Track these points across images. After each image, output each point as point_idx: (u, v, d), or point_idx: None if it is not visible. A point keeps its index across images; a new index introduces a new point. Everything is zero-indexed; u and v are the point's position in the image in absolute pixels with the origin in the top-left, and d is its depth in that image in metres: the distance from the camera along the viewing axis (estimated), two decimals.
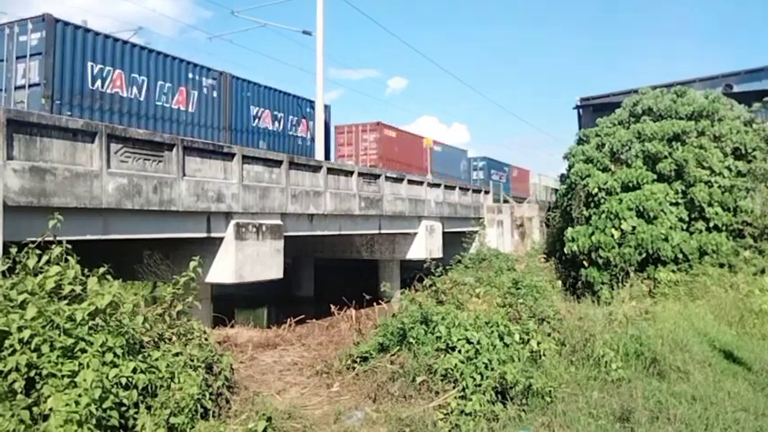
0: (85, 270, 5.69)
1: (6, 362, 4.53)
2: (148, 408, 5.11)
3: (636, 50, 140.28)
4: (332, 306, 11.49)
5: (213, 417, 5.71)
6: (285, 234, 12.78)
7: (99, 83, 14.31)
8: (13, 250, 5.66)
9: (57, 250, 5.66)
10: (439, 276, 10.52)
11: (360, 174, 15.99)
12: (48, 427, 4.31)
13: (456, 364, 7.02)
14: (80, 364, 4.77)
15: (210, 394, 5.85)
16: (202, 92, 17.31)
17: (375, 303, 11.50)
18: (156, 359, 5.52)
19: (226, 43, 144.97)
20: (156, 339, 6.02)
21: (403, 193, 18.24)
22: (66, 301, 5.32)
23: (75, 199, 8.42)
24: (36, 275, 5.45)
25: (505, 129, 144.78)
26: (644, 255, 16.15)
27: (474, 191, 25.06)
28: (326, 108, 21.83)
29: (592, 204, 17.56)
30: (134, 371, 5.07)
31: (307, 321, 12.29)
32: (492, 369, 6.95)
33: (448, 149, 32.71)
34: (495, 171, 36.82)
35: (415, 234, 19.36)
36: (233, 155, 11.65)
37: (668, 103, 18.34)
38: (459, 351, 7.24)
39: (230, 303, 16.92)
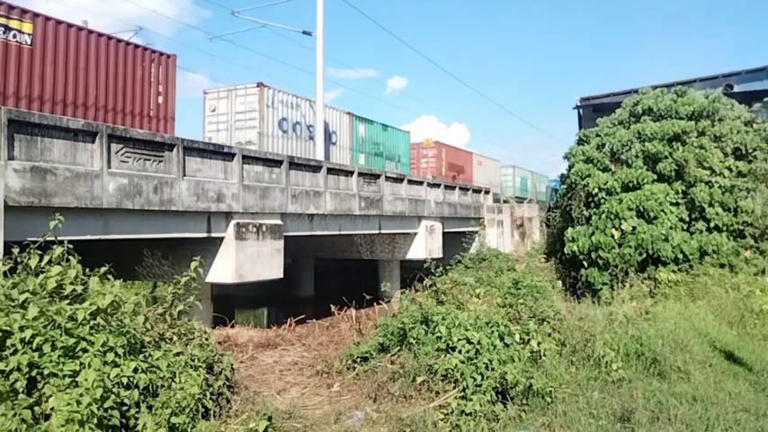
0: (86, 270, 5.69)
1: (8, 361, 4.53)
2: (149, 407, 5.11)
3: (636, 50, 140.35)
4: (332, 306, 11.50)
5: (214, 416, 5.71)
6: (285, 234, 12.78)
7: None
8: (15, 250, 5.67)
9: (58, 250, 5.67)
10: (439, 276, 10.52)
11: (360, 174, 16.00)
12: (49, 427, 4.32)
13: (456, 365, 7.02)
14: (81, 363, 4.77)
15: (211, 394, 5.85)
16: None
17: (375, 303, 11.52)
18: (158, 359, 5.52)
19: (226, 43, 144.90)
20: (157, 339, 6.03)
21: (403, 193, 18.25)
22: (67, 301, 5.33)
23: (75, 199, 8.43)
24: (37, 275, 5.46)
25: (505, 129, 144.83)
26: (644, 255, 16.15)
27: (474, 191, 25.06)
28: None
29: (592, 204, 17.57)
30: (135, 370, 5.07)
31: (307, 321, 12.30)
32: (492, 369, 6.95)
33: None
34: None
35: (415, 234, 19.37)
36: (233, 155, 11.65)
37: (668, 103, 18.34)
38: (460, 351, 7.24)
39: (230, 303, 16.95)
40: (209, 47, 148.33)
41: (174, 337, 6.25)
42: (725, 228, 16.40)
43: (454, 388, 6.89)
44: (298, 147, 20.05)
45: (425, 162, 30.20)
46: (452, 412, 6.51)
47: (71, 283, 5.47)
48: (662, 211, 16.22)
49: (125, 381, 4.95)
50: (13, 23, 11.59)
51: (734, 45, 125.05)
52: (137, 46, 14.55)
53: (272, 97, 19.19)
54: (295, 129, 20.23)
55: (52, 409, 4.42)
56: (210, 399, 5.77)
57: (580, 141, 20.50)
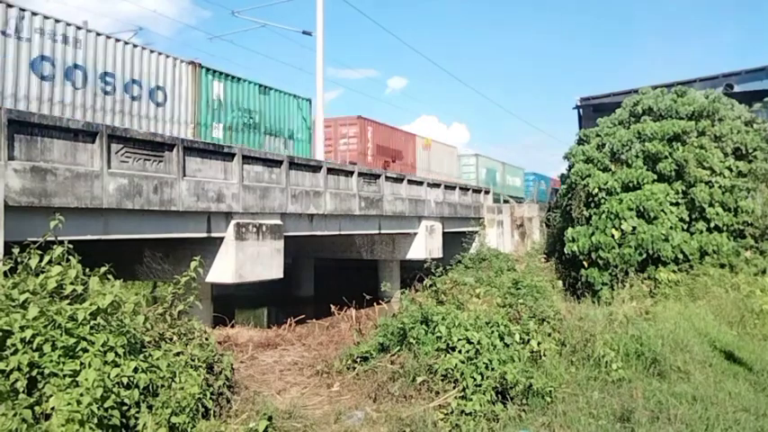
0: (87, 270, 5.70)
1: (8, 361, 4.53)
2: (150, 407, 5.12)
3: (636, 50, 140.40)
4: (332, 306, 11.51)
5: (214, 416, 5.72)
6: (285, 234, 12.78)
7: None
8: (15, 250, 5.67)
9: (58, 250, 5.67)
10: (439, 276, 10.53)
11: (360, 174, 16.01)
12: (50, 427, 4.32)
13: (456, 364, 7.03)
14: (82, 363, 4.78)
15: (211, 394, 5.86)
16: None
17: (375, 303, 11.52)
18: (158, 359, 5.53)
19: (226, 43, 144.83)
20: (158, 339, 6.03)
21: (403, 193, 18.26)
22: (67, 301, 5.33)
23: (75, 199, 8.43)
24: (38, 275, 5.46)
25: (506, 129, 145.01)
26: (644, 255, 16.15)
27: (474, 191, 25.07)
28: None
29: (592, 204, 17.56)
30: (135, 370, 5.07)
31: (307, 321, 12.31)
32: (492, 369, 6.96)
33: None
34: None
35: (415, 234, 19.36)
36: (233, 155, 11.66)
37: (669, 103, 18.34)
38: (460, 351, 7.24)
39: (230, 303, 16.93)
40: (209, 47, 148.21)
41: (174, 337, 6.25)
42: (725, 228, 16.39)
43: (454, 388, 6.89)
44: (79, 112, 12.58)
45: (345, 143, 23.67)
46: (452, 412, 6.51)
47: (71, 283, 5.47)
48: (662, 211, 16.21)
49: (125, 380, 4.95)
50: None
51: (734, 45, 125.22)
52: None
53: (16, 21, 11.36)
54: (71, 76, 12.52)
55: (53, 408, 4.43)
56: (210, 398, 5.77)
57: (580, 141, 20.49)
